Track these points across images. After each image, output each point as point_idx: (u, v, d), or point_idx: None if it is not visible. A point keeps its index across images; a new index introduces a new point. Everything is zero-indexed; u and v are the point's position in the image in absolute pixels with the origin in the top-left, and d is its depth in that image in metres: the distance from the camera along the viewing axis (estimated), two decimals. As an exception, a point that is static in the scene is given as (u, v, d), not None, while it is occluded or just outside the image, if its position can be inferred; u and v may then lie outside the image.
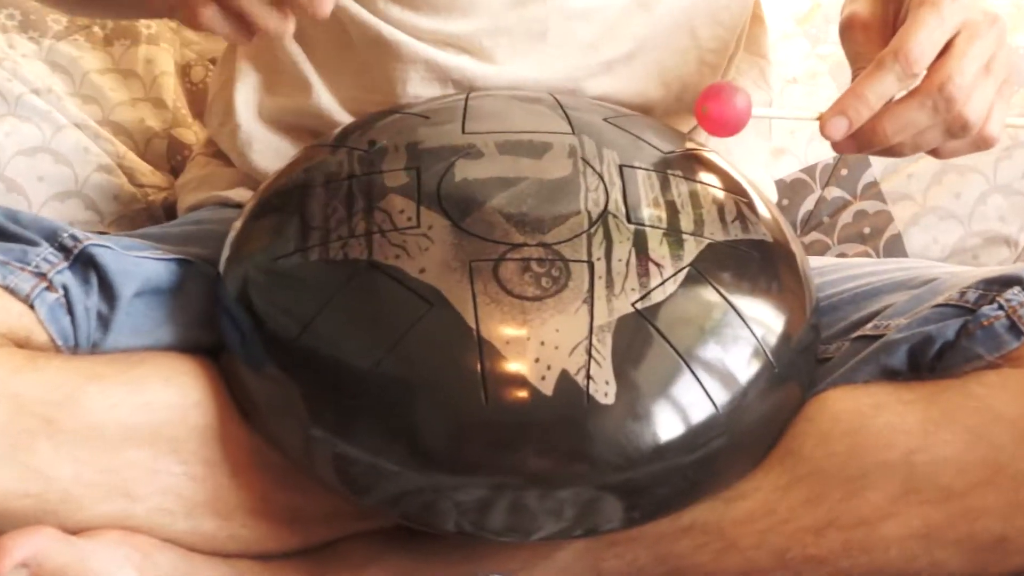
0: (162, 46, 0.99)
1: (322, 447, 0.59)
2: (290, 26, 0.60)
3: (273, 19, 0.59)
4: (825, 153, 1.02)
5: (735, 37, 0.80)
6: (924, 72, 0.62)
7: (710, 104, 0.64)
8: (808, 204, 1.03)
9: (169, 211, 0.92)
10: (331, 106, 0.77)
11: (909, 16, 0.63)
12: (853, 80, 0.65)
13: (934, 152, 0.66)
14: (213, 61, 1.01)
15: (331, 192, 0.64)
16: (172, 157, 0.96)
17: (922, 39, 0.61)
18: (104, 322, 0.64)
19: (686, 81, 0.77)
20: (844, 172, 1.03)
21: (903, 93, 0.63)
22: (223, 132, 0.81)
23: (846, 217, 1.01)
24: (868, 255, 0.99)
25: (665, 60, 0.77)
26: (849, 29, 0.68)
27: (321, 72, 0.77)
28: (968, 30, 0.62)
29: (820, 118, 0.64)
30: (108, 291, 0.64)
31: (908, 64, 0.61)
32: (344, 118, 0.76)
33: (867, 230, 1.00)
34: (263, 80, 0.80)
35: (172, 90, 0.98)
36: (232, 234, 0.67)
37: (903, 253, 0.99)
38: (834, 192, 1.03)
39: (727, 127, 0.65)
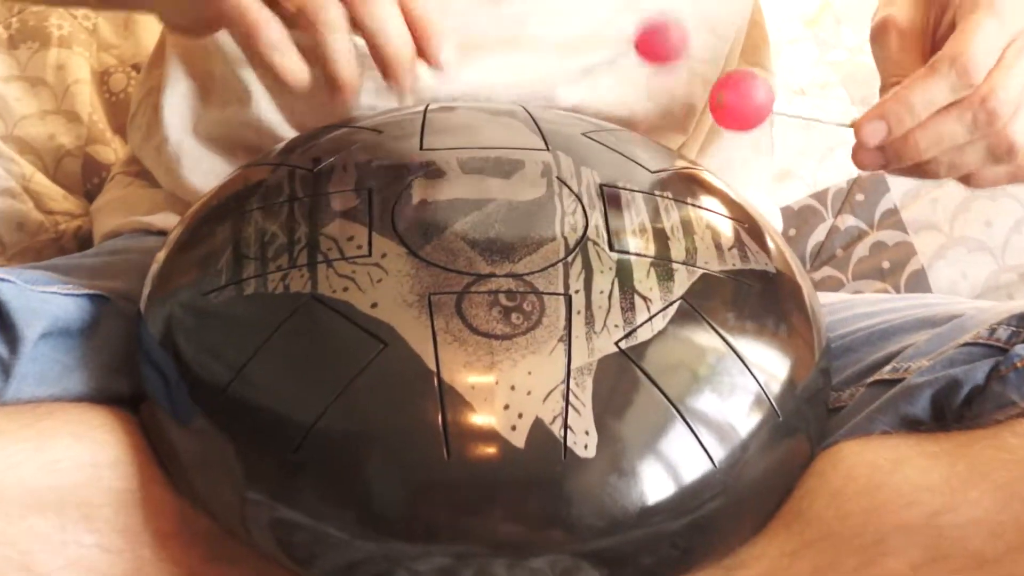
0: (76, 50, 0.99)
1: (259, 511, 0.59)
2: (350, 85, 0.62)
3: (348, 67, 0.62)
4: (837, 176, 1.03)
5: (729, 46, 0.82)
6: (979, 82, 0.63)
7: (727, 93, 0.65)
8: (818, 235, 1.04)
9: (83, 242, 0.92)
10: (272, 118, 0.77)
11: (964, 20, 0.64)
12: (882, 92, 0.66)
13: (969, 179, 0.67)
14: (136, 67, 1.01)
15: (270, 217, 0.65)
16: (88, 179, 0.96)
17: (981, 46, 0.63)
18: (4, 369, 0.63)
19: (674, 93, 0.79)
20: (860, 197, 1.04)
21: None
22: (148, 147, 0.82)
23: (862, 250, 1.02)
24: (887, 293, 1.00)
25: (648, 69, 0.78)
26: (883, 34, 0.69)
27: (262, 79, 0.78)
28: (1020, 41, 0.64)
29: (855, 123, 0.65)
30: (9, 333, 0.64)
31: (966, 73, 0.62)
32: (287, 132, 0.77)
33: (886, 264, 1.02)
34: (195, 88, 0.81)
35: (88, 101, 0.98)
36: (155, 266, 0.67)
37: (927, 291, 1.00)
38: (848, 221, 1.04)
39: (745, 119, 0.66)
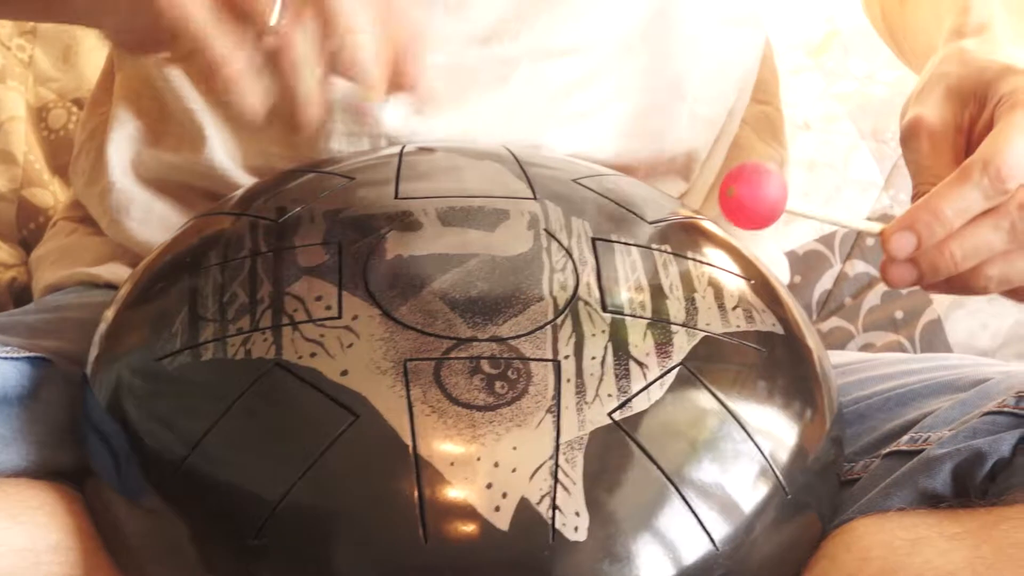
0: (10, 84, 0.99)
1: (217, 601, 0.59)
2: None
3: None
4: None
5: (735, 83, 0.82)
6: (1013, 188, 0.63)
7: (739, 187, 0.66)
8: (826, 282, 1.04)
9: (19, 296, 0.91)
10: (229, 163, 0.77)
11: (1002, 120, 0.64)
12: (914, 199, 0.67)
13: (1021, 293, 0.67)
14: (78, 103, 1.01)
15: (229, 273, 0.65)
16: (23, 225, 0.96)
17: (1017, 150, 0.63)
18: (-67, 441, 0.63)
19: (672, 137, 0.79)
20: (870, 241, 1.04)
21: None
22: (91, 193, 0.81)
23: (873, 298, 1.03)
24: (901, 347, 1.01)
25: (648, 111, 0.78)
26: (913, 137, 0.69)
27: (218, 120, 0.78)
28: None
29: (883, 233, 0.65)
30: (-62, 401, 0.64)
31: (999, 179, 0.63)
32: (244, 179, 0.77)
33: (899, 315, 1.02)
34: (145, 128, 0.81)
35: (23, 140, 0.98)
36: (103, 325, 0.67)
37: (944, 343, 1.01)
38: (858, 266, 1.05)
39: (757, 217, 0.66)
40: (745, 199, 0.65)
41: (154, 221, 0.78)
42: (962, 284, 0.66)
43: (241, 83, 0.59)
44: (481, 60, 0.76)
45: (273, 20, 0.57)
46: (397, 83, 0.61)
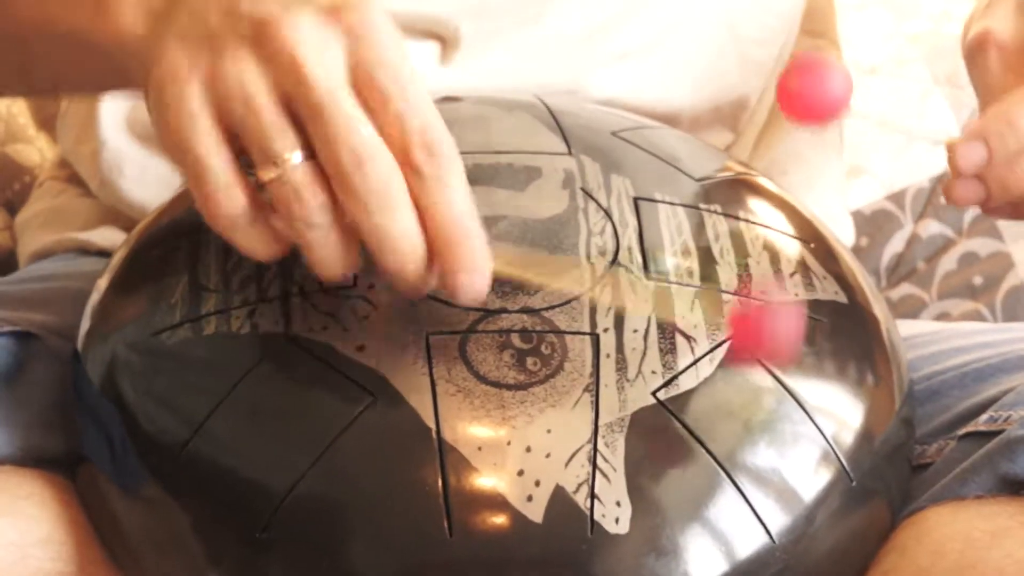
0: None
1: (221, 598, 0.59)
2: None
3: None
4: (917, 174, 1.04)
5: (788, 21, 0.82)
6: None
7: (800, 79, 0.65)
8: (896, 244, 1.04)
9: (4, 263, 0.92)
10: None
11: None
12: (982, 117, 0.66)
13: None
14: (67, 50, 1.02)
15: (233, 239, 0.65)
16: (7, 185, 0.97)
17: None
18: (-90, 426, 0.64)
19: (723, 83, 0.79)
20: (944, 200, 1.04)
21: None
22: (81, 152, 0.82)
23: (948, 262, 1.03)
24: (980, 316, 1.00)
25: (694, 53, 0.78)
26: (980, 52, 0.68)
27: None
28: None
29: (949, 143, 0.65)
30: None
31: None
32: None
33: (978, 280, 1.02)
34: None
35: (7, 91, 0.98)
36: (96, 296, 0.67)
37: (1030, 311, 1.01)
38: (932, 227, 1.04)
39: (819, 111, 0.66)
40: (808, 92, 0.65)
41: (151, 181, 0.79)
42: None
43: (237, 230, 0.57)
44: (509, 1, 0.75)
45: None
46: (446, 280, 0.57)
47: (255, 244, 0.58)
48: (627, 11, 0.78)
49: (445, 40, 0.76)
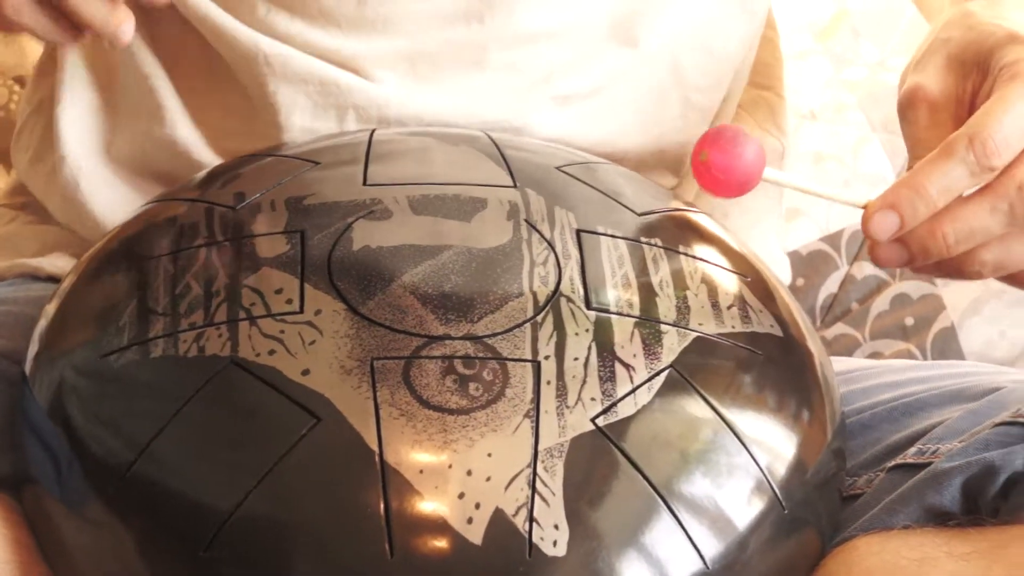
0: (-56, 60, 0.99)
1: (164, 618, 0.59)
2: (124, 23, 0.61)
3: (102, 9, 0.60)
4: (852, 216, 1.04)
5: (732, 69, 0.83)
6: (1001, 165, 0.63)
7: (712, 151, 0.66)
8: (831, 285, 1.05)
9: (-45, 289, 0.91)
10: (191, 140, 0.77)
11: (997, 91, 0.64)
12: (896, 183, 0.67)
13: (1020, 278, 0.67)
14: (20, 81, 1.01)
15: (182, 263, 0.65)
16: (-41, 213, 0.96)
17: (1007, 124, 0.62)
18: None
19: (666, 127, 0.79)
20: (879, 242, 1.05)
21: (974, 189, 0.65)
22: (37, 171, 0.81)
23: (881, 303, 1.03)
24: (911, 356, 1.01)
25: (639, 99, 0.79)
26: (911, 107, 0.69)
27: (181, 93, 0.78)
28: None
29: (865, 207, 0.66)
30: None
31: (984, 155, 0.62)
32: (208, 157, 0.77)
33: (910, 321, 1.03)
34: (99, 99, 0.81)
35: (-44, 120, 0.98)
36: (44, 321, 0.67)
37: (958, 353, 1.01)
38: (866, 269, 1.05)
39: (731, 184, 0.67)
40: (720, 164, 0.66)
41: (107, 200, 0.78)
42: (954, 268, 0.66)
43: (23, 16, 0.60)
44: (447, 46, 0.76)
45: None
46: None
47: (98, 8, 0.60)
48: (567, 63, 0.78)
49: (384, 77, 0.76)
